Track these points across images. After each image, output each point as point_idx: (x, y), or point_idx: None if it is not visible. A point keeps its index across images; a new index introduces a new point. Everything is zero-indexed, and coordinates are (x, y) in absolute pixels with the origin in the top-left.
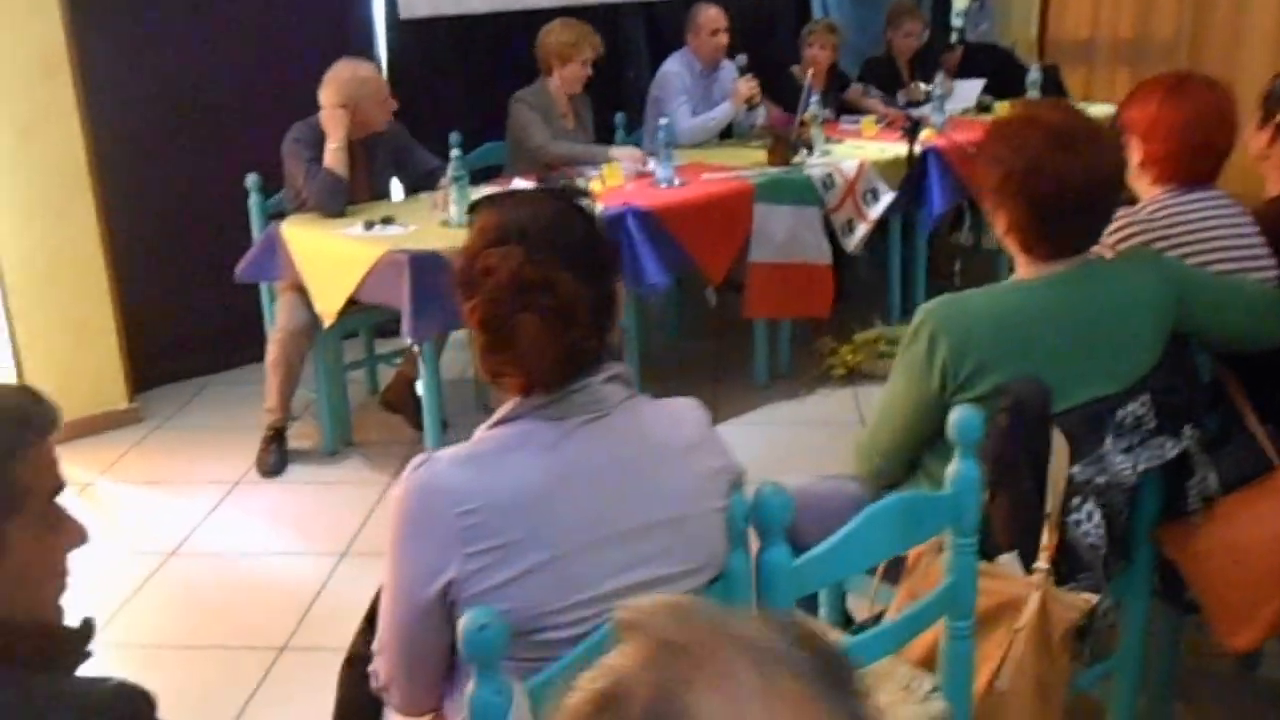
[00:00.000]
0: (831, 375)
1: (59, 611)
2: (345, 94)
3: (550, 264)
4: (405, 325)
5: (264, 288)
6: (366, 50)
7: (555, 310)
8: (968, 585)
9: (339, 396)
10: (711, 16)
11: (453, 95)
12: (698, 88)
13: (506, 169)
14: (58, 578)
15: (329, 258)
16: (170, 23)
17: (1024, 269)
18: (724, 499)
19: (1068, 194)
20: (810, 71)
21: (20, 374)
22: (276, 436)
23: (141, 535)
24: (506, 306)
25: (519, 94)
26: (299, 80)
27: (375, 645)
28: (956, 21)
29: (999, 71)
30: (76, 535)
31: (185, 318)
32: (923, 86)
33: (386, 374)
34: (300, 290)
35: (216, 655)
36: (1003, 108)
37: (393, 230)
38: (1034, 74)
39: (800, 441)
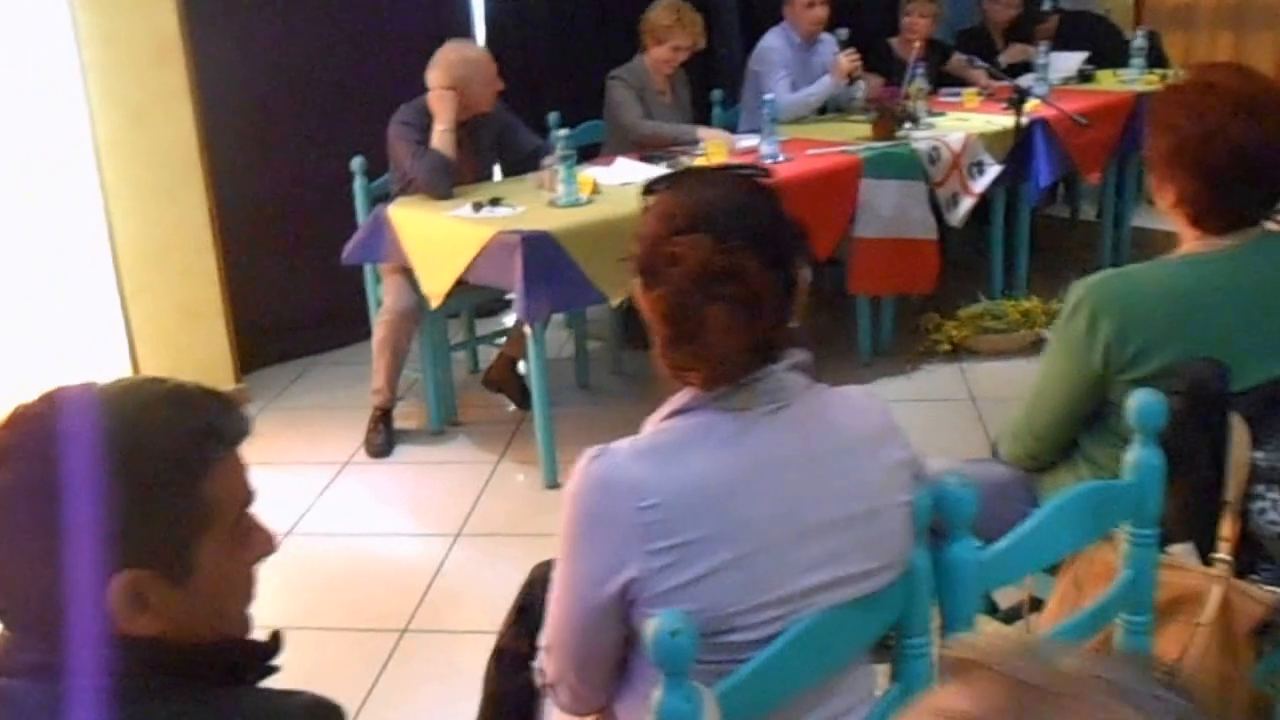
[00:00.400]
0: (936, 351)
1: (246, 625)
2: (453, 76)
3: (739, 251)
4: (518, 306)
5: (369, 270)
6: (464, 29)
7: (743, 300)
8: (1147, 579)
9: (444, 377)
10: None
11: (550, 73)
12: (797, 62)
13: (605, 147)
14: (245, 591)
15: (437, 240)
16: (277, 8)
17: (1193, 243)
18: (909, 492)
19: (1245, 163)
20: (916, 43)
21: (133, 356)
22: (384, 417)
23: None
24: (694, 298)
25: (615, 72)
26: (400, 63)
27: (543, 642)
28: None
29: (1096, 39)
30: (265, 546)
31: (289, 299)
32: (1028, 49)
33: (487, 354)
34: (407, 272)
35: (340, 637)
36: (1104, 77)
37: (501, 211)
38: (1139, 40)
39: (910, 419)
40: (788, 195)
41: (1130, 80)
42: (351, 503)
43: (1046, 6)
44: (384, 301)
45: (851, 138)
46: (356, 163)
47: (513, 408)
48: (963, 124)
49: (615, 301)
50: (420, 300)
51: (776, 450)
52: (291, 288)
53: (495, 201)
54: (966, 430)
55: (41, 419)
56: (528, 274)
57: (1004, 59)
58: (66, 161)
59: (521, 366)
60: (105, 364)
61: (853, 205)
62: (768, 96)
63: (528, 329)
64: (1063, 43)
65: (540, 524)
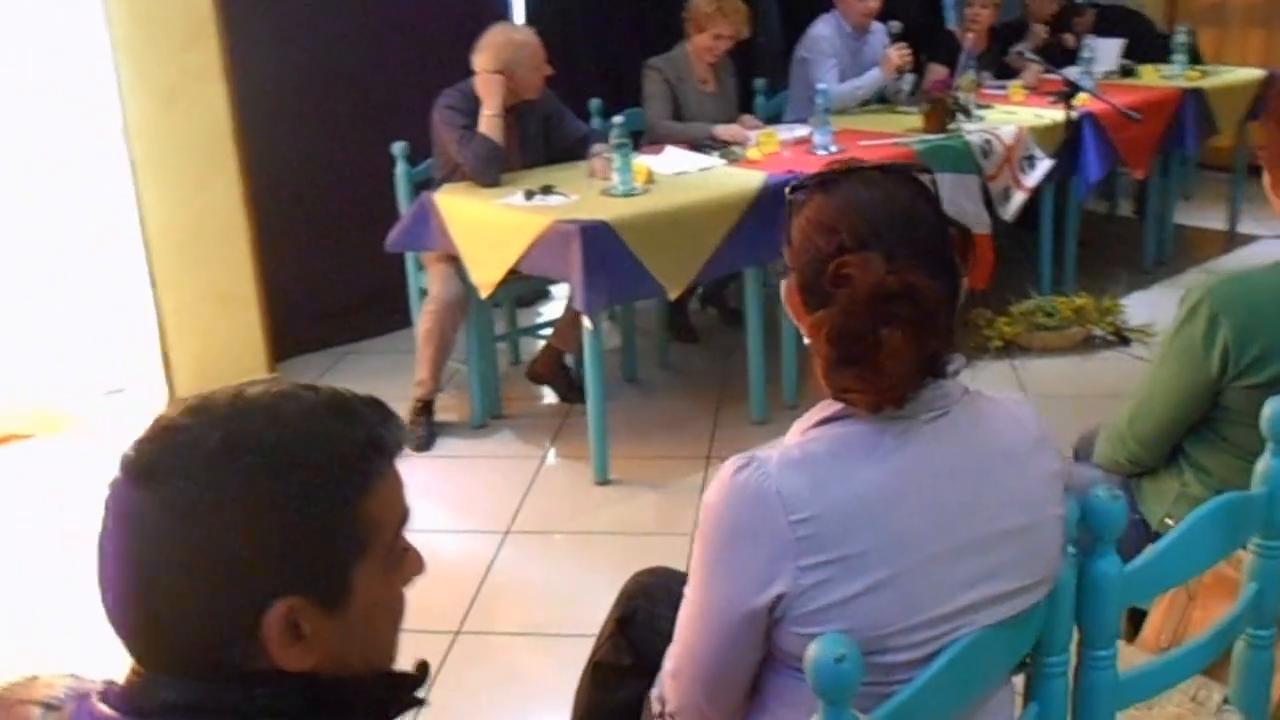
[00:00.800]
0: (989, 347)
1: (394, 654)
2: (502, 59)
3: (910, 268)
4: (576, 297)
5: (410, 258)
6: (503, 10)
7: (916, 320)
8: (1273, 592)
9: (489, 369)
10: None
11: (591, 58)
12: (847, 51)
13: (646, 136)
14: (397, 618)
15: (488, 228)
16: None
17: None
18: (1061, 505)
19: None
20: (970, 34)
21: (164, 343)
22: (426, 409)
23: None
24: (865, 321)
25: (652, 61)
26: (438, 46)
27: (668, 667)
28: None
29: (1131, 33)
30: (417, 567)
31: (323, 287)
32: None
33: (527, 345)
34: (452, 261)
35: None
36: (1147, 72)
37: (554, 200)
38: (1181, 36)
39: None
40: None
41: (1173, 76)
42: None
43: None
44: (429, 291)
45: (901, 129)
46: (398, 148)
47: (557, 401)
48: (1011, 117)
49: (674, 294)
50: (467, 290)
51: (934, 462)
52: (325, 275)
53: (547, 189)
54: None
55: (189, 432)
56: (587, 265)
57: (1027, 45)
58: (96, 144)
59: (568, 359)
60: (134, 352)
61: None
62: (821, 86)
63: (586, 322)
64: (1100, 36)
65: (592, 521)
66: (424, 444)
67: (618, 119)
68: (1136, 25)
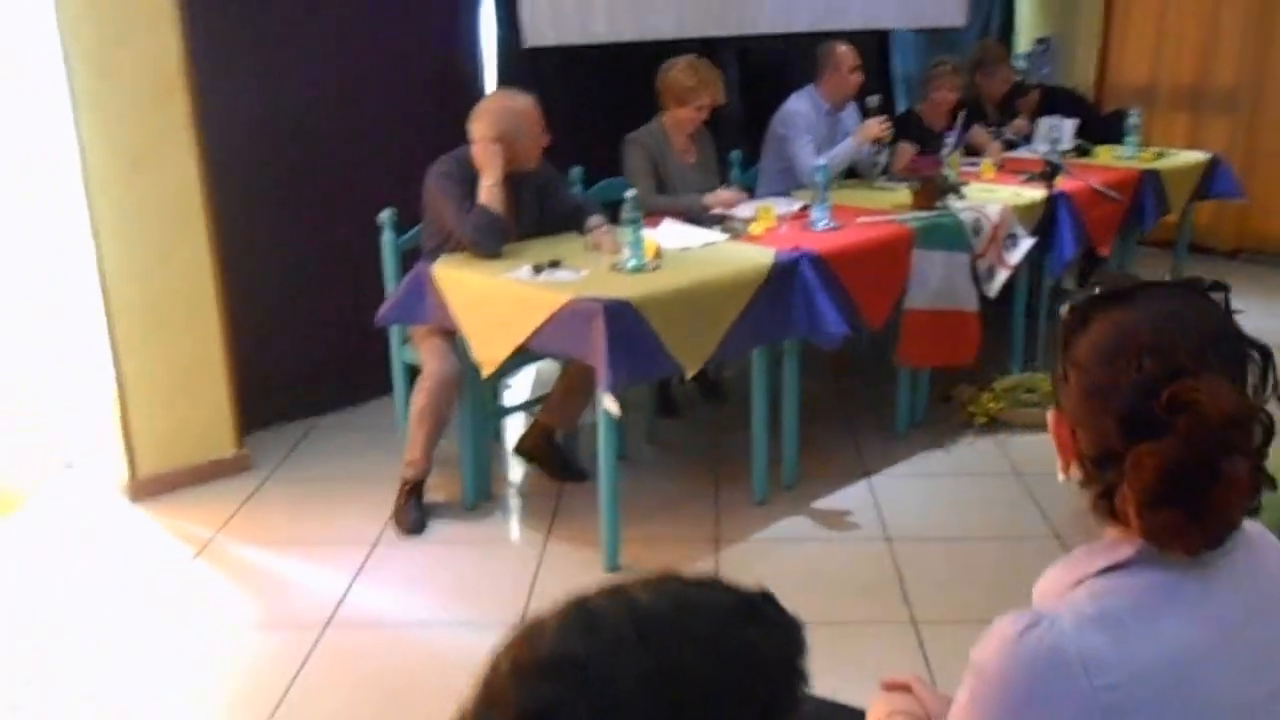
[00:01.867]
0: (973, 424)
1: None
2: (500, 128)
3: (1242, 388)
4: (602, 378)
5: (395, 330)
6: (474, 80)
7: (1256, 448)
8: None
9: (483, 448)
10: (846, 54)
11: (564, 128)
12: (822, 126)
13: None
14: None
15: (494, 303)
16: (287, 40)
17: None
18: None
19: None
20: (961, 113)
21: (125, 416)
22: (416, 491)
23: (287, 602)
24: (1209, 451)
25: (632, 135)
26: (414, 109)
27: None
28: (1019, 64)
29: (1077, 115)
30: None
31: (294, 357)
32: (1032, 122)
33: (510, 423)
34: (448, 335)
35: None
36: (1102, 152)
37: (563, 274)
38: (1134, 118)
39: (955, 494)
40: (848, 264)
41: (1128, 156)
42: (392, 587)
43: (1031, 81)
44: (424, 367)
45: (888, 205)
46: (385, 216)
47: (546, 479)
48: (991, 195)
49: (691, 373)
50: (464, 366)
51: (1235, 608)
52: (296, 344)
53: (555, 264)
54: (1016, 505)
55: (617, 633)
56: (611, 344)
57: (1008, 132)
58: (56, 207)
59: (558, 436)
60: (94, 429)
61: (905, 276)
62: (819, 162)
63: (612, 406)
64: (1046, 113)
65: None
66: (415, 527)
67: (630, 192)
68: (1079, 106)
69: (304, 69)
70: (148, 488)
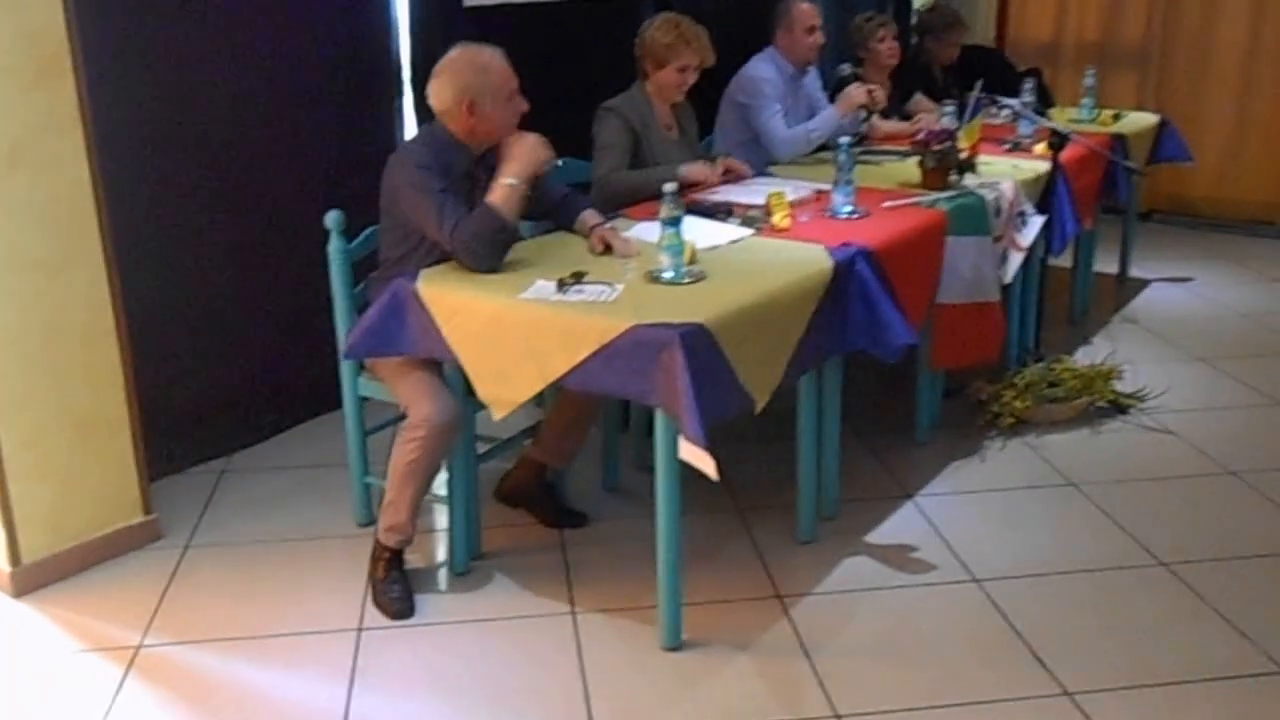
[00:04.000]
0: (998, 425)
1: None
2: (460, 84)
3: None
4: (687, 424)
5: (347, 367)
6: (385, 47)
7: None
8: None
9: (474, 500)
10: (806, 11)
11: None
12: (790, 94)
13: (593, 191)
14: None
15: (510, 331)
16: (178, 22)
17: None
18: None
19: None
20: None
21: (4, 491)
22: (398, 560)
23: None
24: None
25: (610, 103)
26: (325, 92)
27: None
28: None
29: (994, 74)
30: None
31: (201, 391)
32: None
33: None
34: (435, 368)
35: None
36: (1057, 116)
37: (595, 291)
38: (1089, 79)
39: (1017, 513)
40: (893, 260)
41: (1085, 120)
42: (405, 701)
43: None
44: (412, 412)
45: (895, 185)
46: (332, 218)
47: (537, 524)
48: (991, 169)
49: (761, 404)
50: (461, 406)
51: None
52: (206, 375)
53: (579, 276)
54: (1091, 524)
55: None
56: (696, 382)
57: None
58: None
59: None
60: None
61: (939, 267)
62: (844, 141)
63: (706, 466)
64: (964, 74)
65: (699, 713)
66: (405, 608)
67: (669, 186)
68: (997, 65)
69: (203, 46)
70: (34, 576)
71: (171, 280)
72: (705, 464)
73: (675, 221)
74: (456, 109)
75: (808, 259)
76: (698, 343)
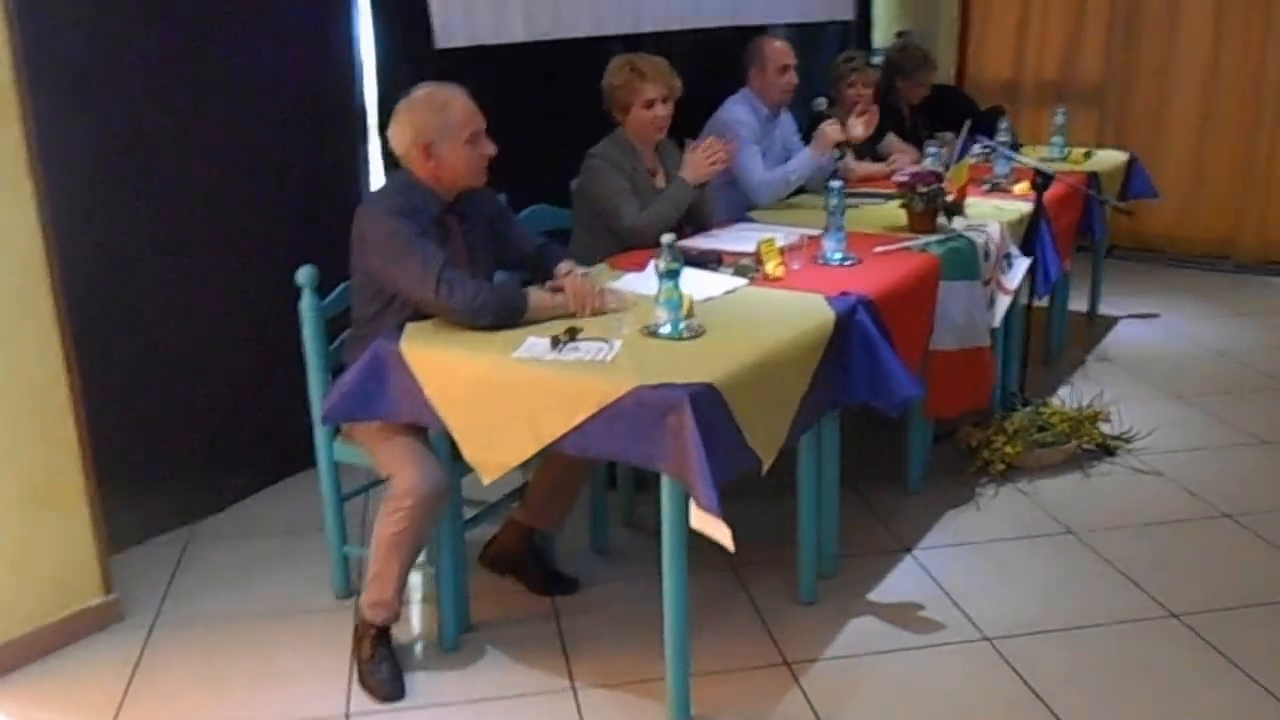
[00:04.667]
0: (990, 472)
1: None
2: (416, 126)
3: None
4: (701, 493)
5: (321, 431)
6: (349, 90)
7: None
8: None
9: (462, 571)
10: (779, 50)
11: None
12: (765, 136)
13: (580, 242)
14: None
15: (501, 393)
16: (127, 63)
17: None
18: None
19: None
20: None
21: None
22: (384, 638)
23: None
24: None
25: (597, 150)
26: (287, 137)
27: None
28: (877, 60)
29: (959, 113)
30: None
31: (155, 454)
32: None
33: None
34: (419, 433)
35: None
36: (1029, 153)
37: (591, 348)
38: (1060, 118)
39: (1020, 566)
40: (889, 307)
41: (1057, 158)
42: None
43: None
44: (395, 481)
45: (880, 228)
46: (304, 275)
47: (532, 594)
48: (974, 210)
49: (768, 463)
50: (449, 472)
51: None
52: (167, 438)
53: (573, 333)
54: (1097, 574)
55: None
56: (708, 445)
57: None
58: None
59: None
60: None
61: (933, 313)
62: (835, 184)
63: (720, 535)
64: (931, 114)
65: None
66: (395, 689)
67: (666, 237)
68: (961, 104)
69: (159, 91)
70: None
71: (128, 337)
72: (720, 533)
73: (674, 274)
74: (414, 151)
75: (808, 310)
76: (706, 403)
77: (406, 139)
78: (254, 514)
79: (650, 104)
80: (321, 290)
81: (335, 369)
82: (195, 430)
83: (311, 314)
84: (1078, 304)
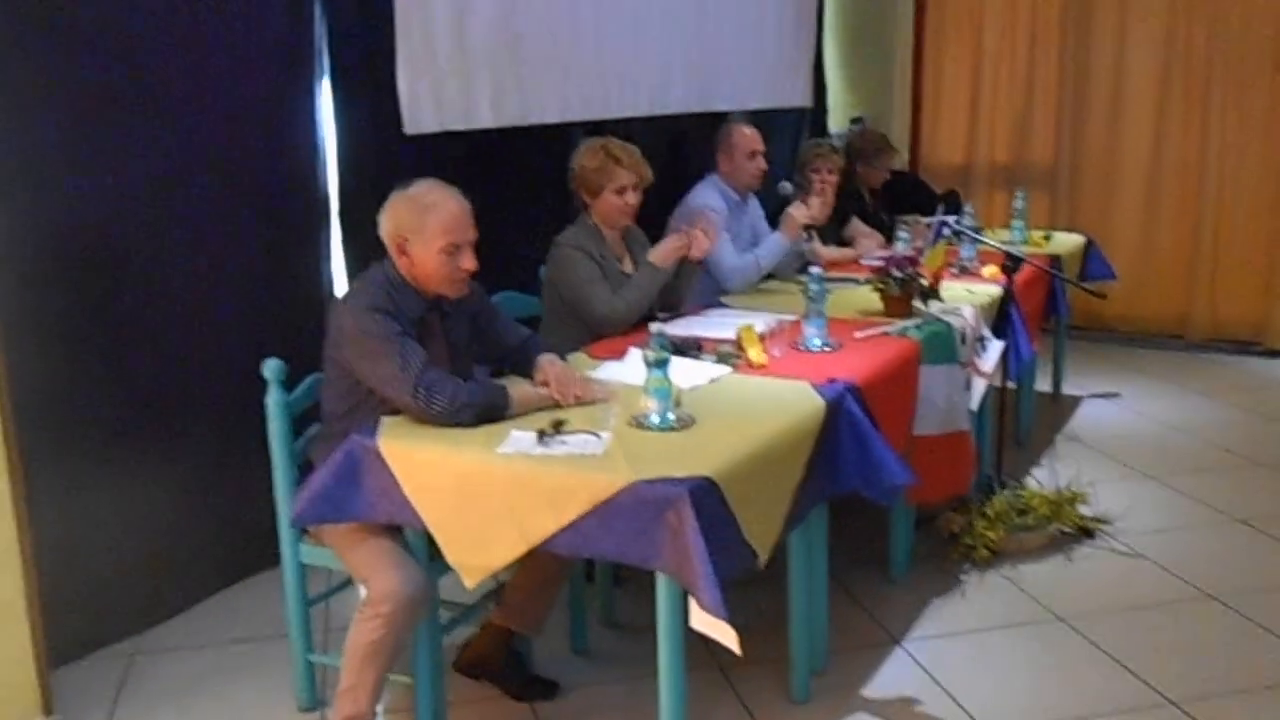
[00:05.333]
0: (973, 558)
1: None
2: (397, 223)
3: None
4: (704, 595)
5: (288, 532)
6: (311, 177)
7: None
8: None
9: (440, 680)
10: (749, 136)
11: None
12: (735, 222)
13: (551, 330)
14: None
15: (485, 490)
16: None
17: None
18: None
19: None
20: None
21: None
22: None
23: None
24: None
25: (564, 239)
26: (248, 227)
27: None
28: (836, 144)
29: (916, 197)
30: None
31: (101, 560)
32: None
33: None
34: (394, 534)
35: None
36: (991, 236)
37: (582, 442)
38: (1019, 201)
39: (1016, 658)
40: (874, 394)
41: (1018, 241)
42: None
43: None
44: (372, 586)
45: (855, 313)
46: (271, 368)
47: (510, 700)
48: (948, 294)
49: (765, 558)
50: (427, 575)
51: None
52: (113, 537)
53: (559, 425)
54: (1094, 663)
55: None
56: (709, 543)
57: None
58: None
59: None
60: None
61: (915, 399)
62: (815, 270)
63: (725, 636)
64: (889, 198)
65: None
66: None
67: (655, 325)
68: (916, 188)
69: (110, 175)
70: None
71: (70, 433)
72: (725, 636)
73: (663, 364)
74: (390, 245)
75: (796, 398)
76: (706, 498)
77: (388, 230)
78: (208, 621)
79: (622, 190)
80: (286, 384)
81: (301, 467)
82: (143, 530)
83: (278, 410)
84: (1041, 384)
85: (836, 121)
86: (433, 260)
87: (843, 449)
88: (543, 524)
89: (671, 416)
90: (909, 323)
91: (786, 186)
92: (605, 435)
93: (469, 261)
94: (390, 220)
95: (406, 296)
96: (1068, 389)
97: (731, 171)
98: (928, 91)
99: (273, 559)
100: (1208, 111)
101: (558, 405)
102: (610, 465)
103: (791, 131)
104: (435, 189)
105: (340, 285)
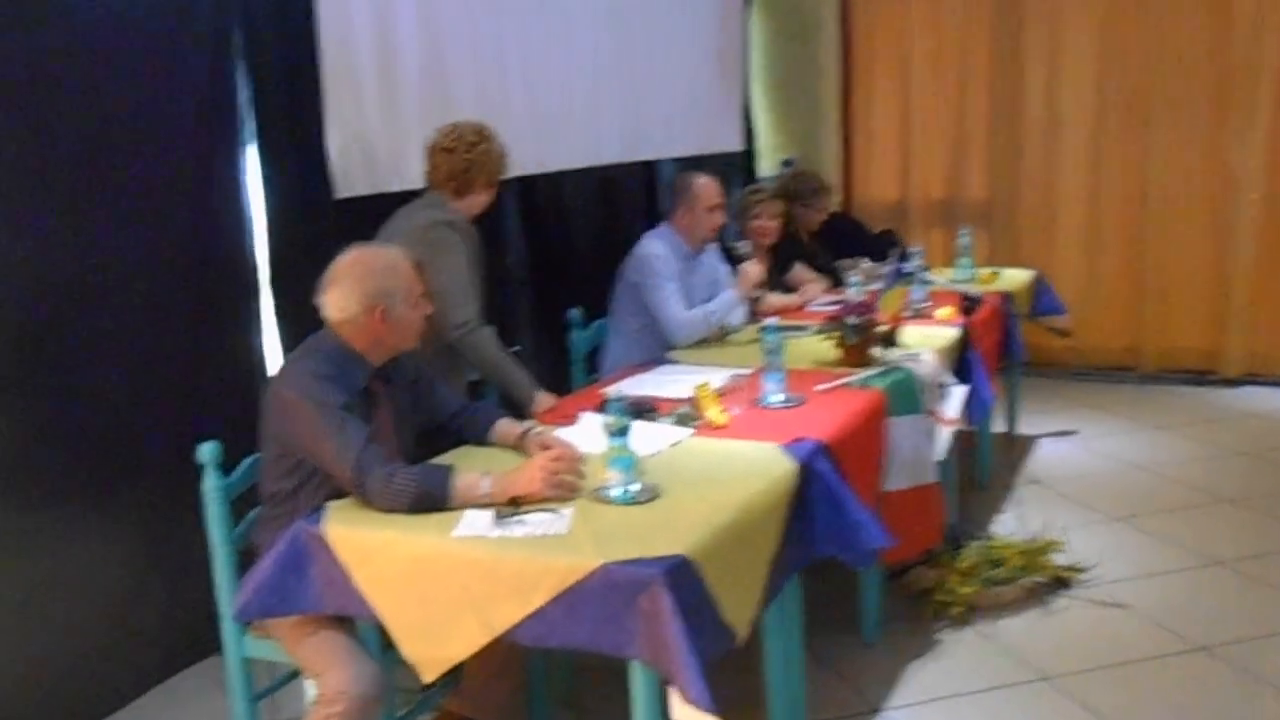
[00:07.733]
0: (947, 615)
1: None
2: (371, 289)
3: None
4: (687, 685)
5: (230, 625)
6: (239, 246)
7: None
8: None
9: None
10: (710, 190)
11: None
12: (684, 273)
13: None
14: None
15: (440, 577)
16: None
17: None
18: None
19: None
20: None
21: None
22: None
23: None
24: None
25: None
26: (171, 301)
27: None
28: (768, 184)
29: (852, 237)
30: None
31: (11, 664)
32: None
33: None
34: (346, 626)
35: None
36: (939, 275)
37: (541, 521)
38: (965, 238)
39: (998, 718)
40: (844, 450)
41: (964, 280)
42: None
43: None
44: (323, 683)
45: (811, 364)
46: (207, 450)
47: None
48: (924, 340)
49: (744, 636)
50: (382, 669)
51: None
52: (32, 633)
53: (516, 503)
54: None
55: None
56: (690, 628)
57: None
58: None
59: None
60: None
61: (882, 453)
62: (770, 323)
63: (693, 717)
64: (827, 241)
65: None
66: None
67: (611, 390)
68: (853, 228)
69: (27, 244)
70: None
71: None
72: None
73: (624, 431)
74: (366, 318)
75: (764, 461)
76: (682, 580)
77: (354, 305)
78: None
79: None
80: (222, 466)
81: (243, 551)
82: (70, 626)
83: (217, 495)
84: (996, 424)
85: (766, 165)
86: (413, 315)
87: (818, 513)
88: (506, 613)
89: (636, 488)
90: (870, 372)
91: (745, 246)
92: (566, 512)
93: (429, 306)
94: (358, 295)
95: (352, 367)
96: (1023, 428)
97: (690, 224)
98: (858, 130)
99: (215, 645)
100: (1147, 143)
101: (514, 501)
102: (575, 546)
103: (719, 178)
104: (380, 251)
105: (274, 357)
